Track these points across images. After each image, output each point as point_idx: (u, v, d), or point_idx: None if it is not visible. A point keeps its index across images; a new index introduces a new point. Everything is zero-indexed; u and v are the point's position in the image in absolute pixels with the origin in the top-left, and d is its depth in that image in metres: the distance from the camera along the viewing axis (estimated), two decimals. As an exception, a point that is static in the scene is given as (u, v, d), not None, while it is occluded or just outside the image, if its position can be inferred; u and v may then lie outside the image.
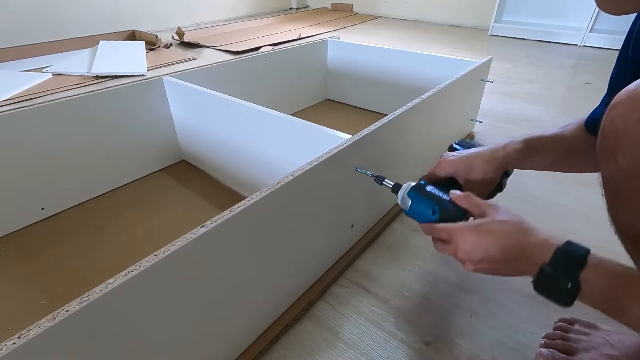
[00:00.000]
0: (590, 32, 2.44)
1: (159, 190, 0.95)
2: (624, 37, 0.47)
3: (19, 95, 1.44)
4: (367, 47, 1.35)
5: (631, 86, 0.35)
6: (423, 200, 0.52)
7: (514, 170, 0.63)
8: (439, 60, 1.19)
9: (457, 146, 0.68)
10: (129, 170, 0.97)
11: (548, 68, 2.02)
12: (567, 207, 0.90)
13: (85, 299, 0.33)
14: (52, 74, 1.66)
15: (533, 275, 0.41)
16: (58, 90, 1.51)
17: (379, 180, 0.58)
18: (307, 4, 3.91)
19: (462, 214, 0.49)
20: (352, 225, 0.72)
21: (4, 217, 0.79)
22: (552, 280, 0.39)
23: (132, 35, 2.33)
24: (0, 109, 0.89)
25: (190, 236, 0.40)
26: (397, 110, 0.73)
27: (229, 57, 1.93)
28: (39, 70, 1.70)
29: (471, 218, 0.49)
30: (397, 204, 0.88)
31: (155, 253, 0.38)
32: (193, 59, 1.99)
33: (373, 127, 0.66)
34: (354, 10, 3.67)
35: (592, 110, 0.56)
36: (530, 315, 0.62)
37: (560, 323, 0.58)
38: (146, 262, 0.37)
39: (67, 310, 0.32)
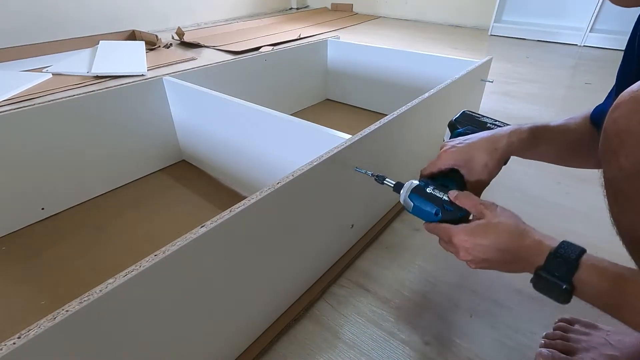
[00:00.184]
0: (590, 32, 2.43)
1: (159, 190, 0.95)
2: (624, 37, 0.47)
3: (19, 95, 1.44)
4: (367, 47, 1.35)
5: (634, 86, 0.35)
6: (425, 202, 0.52)
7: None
8: (439, 60, 1.19)
9: (459, 128, 0.65)
10: (129, 170, 0.97)
11: (548, 68, 2.02)
12: (567, 207, 0.90)
13: (85, 299, 0.33)
14: (52, 74, 1.66)
15: (531, 278, 0.42)
16: (58, 90, 1.51)
17: (380, 179, 0.58)
18: (307, 4, 3.91)
19: (463, 212, 0.49)
20: (352, 225, 0.72)
21: (4, 217, 0.79)
22: (548, 283, 0.40)
23: (132, 35, 2.33)
24: (0, 109, 0.89)
25: (190, 236, 0.40)
26: (397, 110, 0.73)
27: (229, 57, 1.93)
28: (39, 70, 1.70)
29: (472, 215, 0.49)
30: (397, 204, 0.89)
31: (155, 253, 0.38)
32: (193, 59, 1.99)
33: (373, 127, 0.66)
34: (354, 10, 3.67)
35: (598, 104, 0.55)
36: (530, 315, 0.62)
37: (560, 323, 0.58)
38: (146, 262, 0.37)
39: (67, 310, 0.32)
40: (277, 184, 0.49)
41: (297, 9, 3.76)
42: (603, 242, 0.58)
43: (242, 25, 2.81)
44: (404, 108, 0.74)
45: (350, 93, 1.47)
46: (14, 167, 0.77)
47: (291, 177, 0.51)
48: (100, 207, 0.89)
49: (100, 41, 2.06)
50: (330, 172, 0.59)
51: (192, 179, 0.99)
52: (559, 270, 0.39)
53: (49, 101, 0.80)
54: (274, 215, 0.51)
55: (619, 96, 0.36)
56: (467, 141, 0.57)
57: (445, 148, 0.58)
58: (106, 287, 0.34)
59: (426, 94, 0.81)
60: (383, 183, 0.58)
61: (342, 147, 0.59)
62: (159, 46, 2.14)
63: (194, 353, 0.47)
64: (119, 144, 0.92)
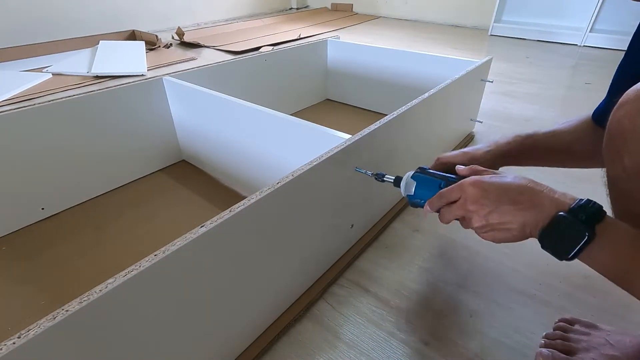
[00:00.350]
0: (590, 32, 2.43)
1: (159, 190, 0.95)
2: (624, 37, 0.48)
3: (19, 95, 1.44)
4: (367, 47, 1.35)
5: (638, 85, 0.35)
6: (428, 179, 0.51)
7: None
8: (439, 60, 1.19)
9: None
10: (129, 170, 0.97)
11: (548, 68, 2.02)
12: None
13: (85, 299, 0.33)
14: (52, 74, 1.66)
15: (540, 228, 0.39)
16: (58, 90, 1.51)
17: (380, 177, 0.58)
18: (307, 4, 3.91)
19: None
20: (352, 225, 0.72)
21: (4, 217, 0.79)
22: (568, 226, 0.37)
23: (132, 35, 2.33)
24: (0, 109, 0.89)
25: (190, 236, 0.40)
26: (397, 110, 0.73)
27: (229, 57, 1.93)
28: (39, 70, 1.70)
29: None
30: (397, 204, 0.89)
31: (155, 253, 0.38)
32: (193, 59, 1.99)
33: (373, 127, 0.66)
34: (354, 10, 3.67)
35: (599, 105, 0.56)
36: (530, 315, 0.62)
37: (561, 323, 0.58)
38: (146, 262, 0.37)
39: (67, 310, 0.32)
40: (277, 183, 0.49)
41: (297, 9, 3.76)
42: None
43: (242, 25, 2.81)
44: (404, 108, 0.74)
45: (350, 93, 1.47)
46: (14, 167, 0.77)
47: (291, 177, 0.51)
48: (100, 207, 0.89)
49: (100, 41, 2.06)
50: (330, 172, 0.59)
51: (192, 179, 0.99)
52: (586, 212, 0.37)
53: (49, 101, 0.80)
54: (274, 215, 0.51)
55: (623, 95, 0.36)
56: (462, 150, 0.63)
57: (440, 157, 0.64)
58: (106, 287, 0.34)
59: (426, 94, 0.81)
60: (383, 180, 0.58)
61: (342, 147, 0.59)
62: (159, 46, 2.14)
63: (194, 353, 0.47)
64: (119, 144, 0.92)
